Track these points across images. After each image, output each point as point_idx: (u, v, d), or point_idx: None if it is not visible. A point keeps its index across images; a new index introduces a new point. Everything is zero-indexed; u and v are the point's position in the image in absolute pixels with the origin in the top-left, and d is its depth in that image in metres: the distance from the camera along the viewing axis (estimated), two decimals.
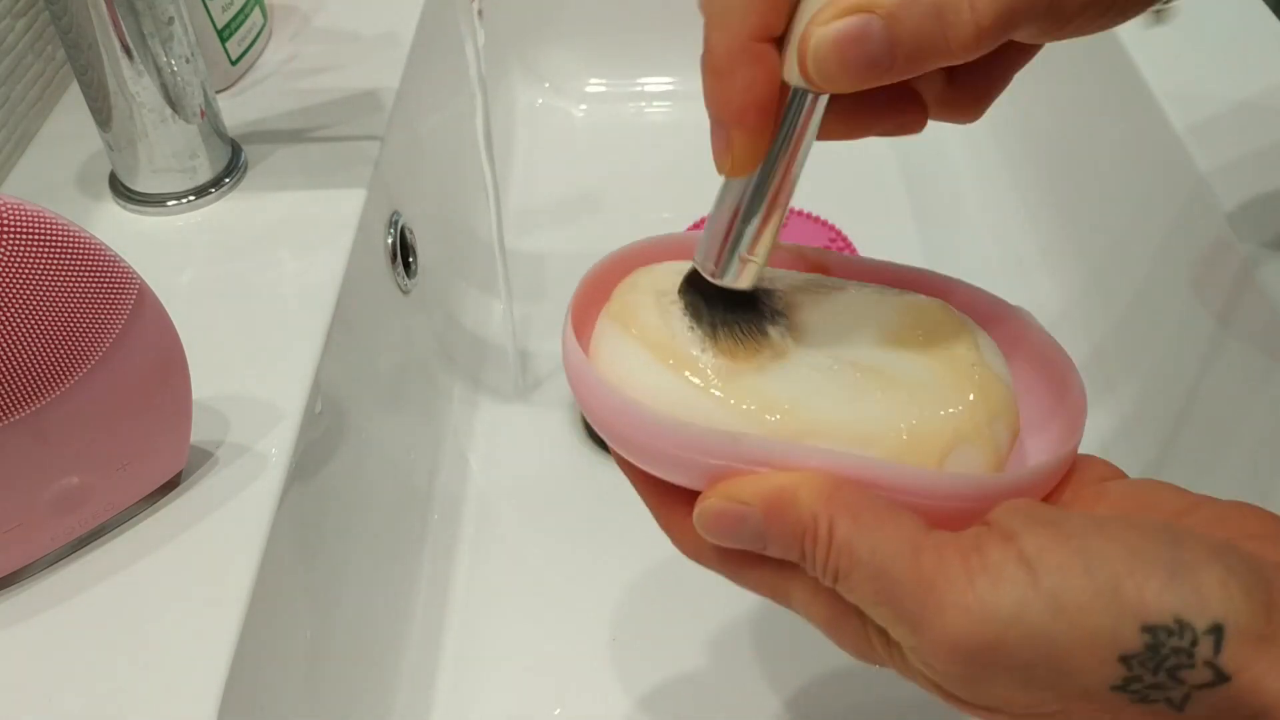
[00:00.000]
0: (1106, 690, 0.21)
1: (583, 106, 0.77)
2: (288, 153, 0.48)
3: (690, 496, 0.26)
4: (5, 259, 0.28)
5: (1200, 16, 0.55)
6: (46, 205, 0.28)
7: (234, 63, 0.52)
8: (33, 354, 0.29)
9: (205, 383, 0.35)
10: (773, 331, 0.27)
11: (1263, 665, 0.20)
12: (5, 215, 0.27)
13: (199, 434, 0.36)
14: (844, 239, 0.63)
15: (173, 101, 0.43)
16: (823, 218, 0.64)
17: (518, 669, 0.47)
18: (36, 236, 0.28)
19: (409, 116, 0.54)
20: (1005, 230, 0.64)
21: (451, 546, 0.52)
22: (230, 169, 0.47)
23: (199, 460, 0.36)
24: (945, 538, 0.23)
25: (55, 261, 0.28)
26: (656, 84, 0.77)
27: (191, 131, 0.44)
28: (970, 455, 0.26)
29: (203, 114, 0.45)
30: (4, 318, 0.28)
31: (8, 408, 0.29)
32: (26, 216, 0.28)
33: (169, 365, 0.33)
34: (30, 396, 0.29)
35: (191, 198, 0.46)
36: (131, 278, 0.31)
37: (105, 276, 0.30)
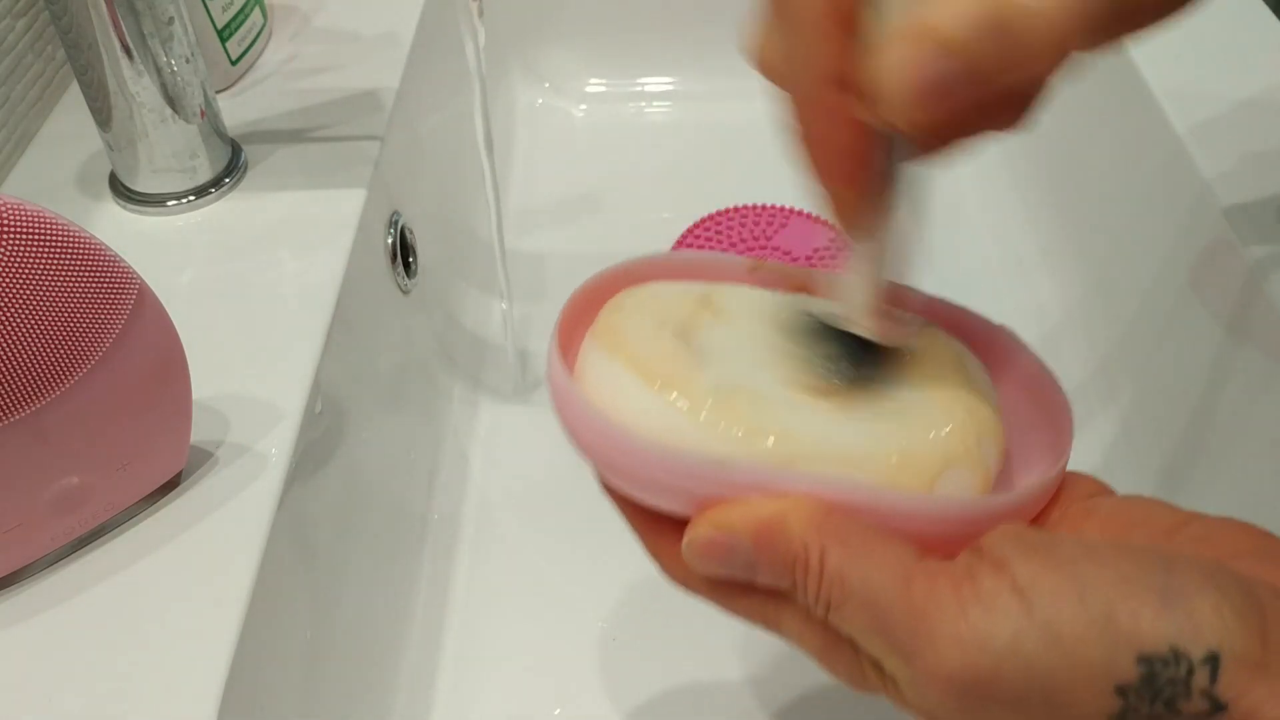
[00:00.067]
0: None
1: (583, 106, 0.77)
2: (288, 153, 0.48)
3: (678, 523, 0.26)
4: (5, 259, 0.28)
5: (1200, 16, 0.55)
6: (46, 205, 0.28)
7: (234, 63, 0.52)
8: (33, 354, 0.29)
9: (205, 383, 0.35)
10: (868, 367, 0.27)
11: (1259, 693, 0.20)
12: (5, 215, 0.27)
13: (199, 434, 0.36)
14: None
15: (173, 101, 0.43)
16: (823, 218, 0.64)
17: (518, 669, 0.47)
18: (36, 236, 0.28)
19: (409, 116, 0.54)
20: (1005, 230, 0.64)
21: (451, 546, 0.52)
22: (230, 169, 0.47)
23: (199, 460, 0.36)
24: (937, 566, 0.23)
25: (55, 261, 0.28)
26: (656, 84, 0.77)
27: (191, 131, 0.44)
28: (960, 477, 0.26)
29: (203, 114, 0.45)
30: (4, 318, 0.28)
31: (8, 408, 0.29)
32: (26, 216, 0.28)
33: (169, 365, 0.33)
34: (30, 396, 0.29)
35: (191, 198, 0.46)
36: (131, 278, 0.31)
37: (105, 276, 0.30)
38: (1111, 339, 0.54)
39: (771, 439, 0.25)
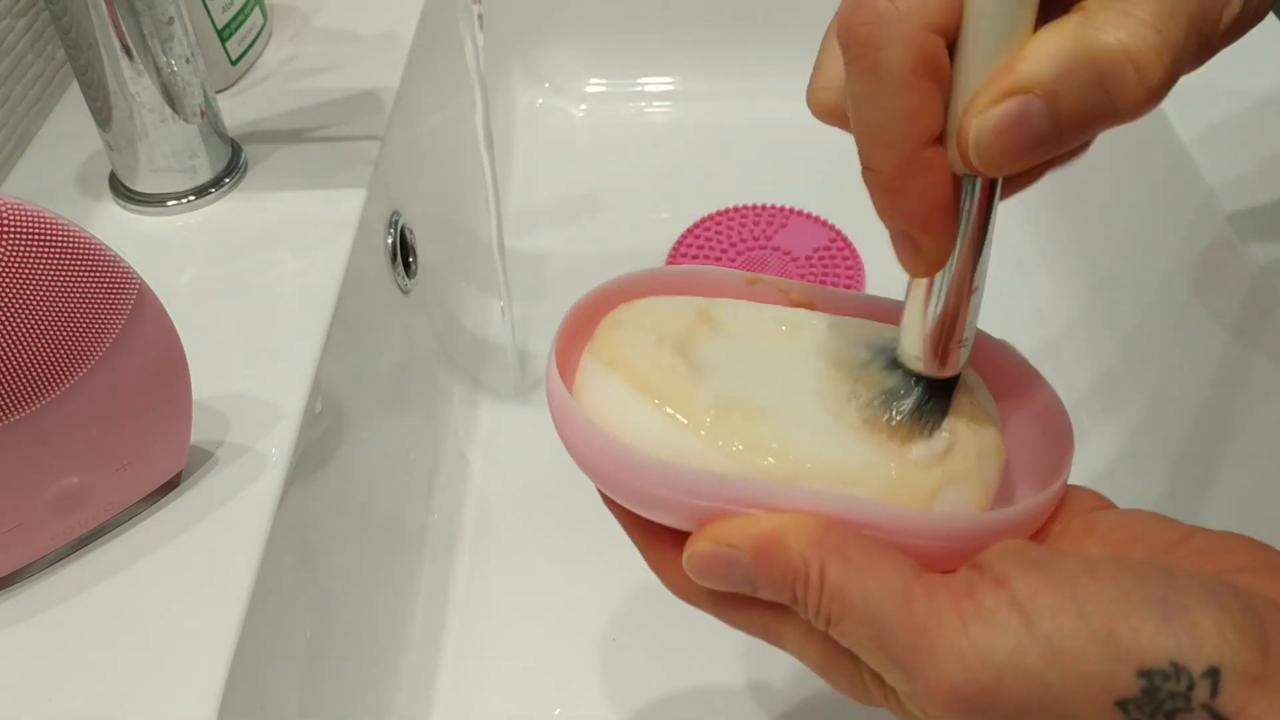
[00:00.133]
0: None
1: (583, 106, 0.77)
2: (288, 153, 0.48)
3: (679, 536, 0.26)
4: (5, 259, 0.28)
5: None
6: (46, 205, 0.28)
7: (234, 63, 0.52)
8: (33, 354, 0.29)
9: (205, 383, 0.35)
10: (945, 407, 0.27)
11: (1260, 706, 0.20)
12: (5, 215, 0.27)
13: (199, 434, 0.36)
14: (844, 238, 0.63)
15: (173, 101, 0.43)
16: (823, 218, 0.64)
17: (518, 669, 0.47)
18: (36, 236, 0.28)
19: (409, 116, 0.54)
20: (1005, 231, 0.64)
21: (451, 546, 0.52)
22: (230, 169, 0.47)
23: (199, 460, 0.36)
24: (937, 581, 0.23)
25: (55, 261, 0.28)
26: (656, 84, 0.77)
27: (191, 131, 0.44)
28: (959, 494, 0.26)
29: (203, 114, 0.45)
30: (4, 318, 0.28)
31: (8, 408, 0.29)
32: (26, 216, 0.28)
33: (169, 365, 0.33)
34: (30, 396, 0.29)
35: (191, 198, 0.46)
36: (131, 278, 0.31)
37: (105, 276, 0.30)
38: (1112, 341, 0.54)
39: (771, 454, 0.25)
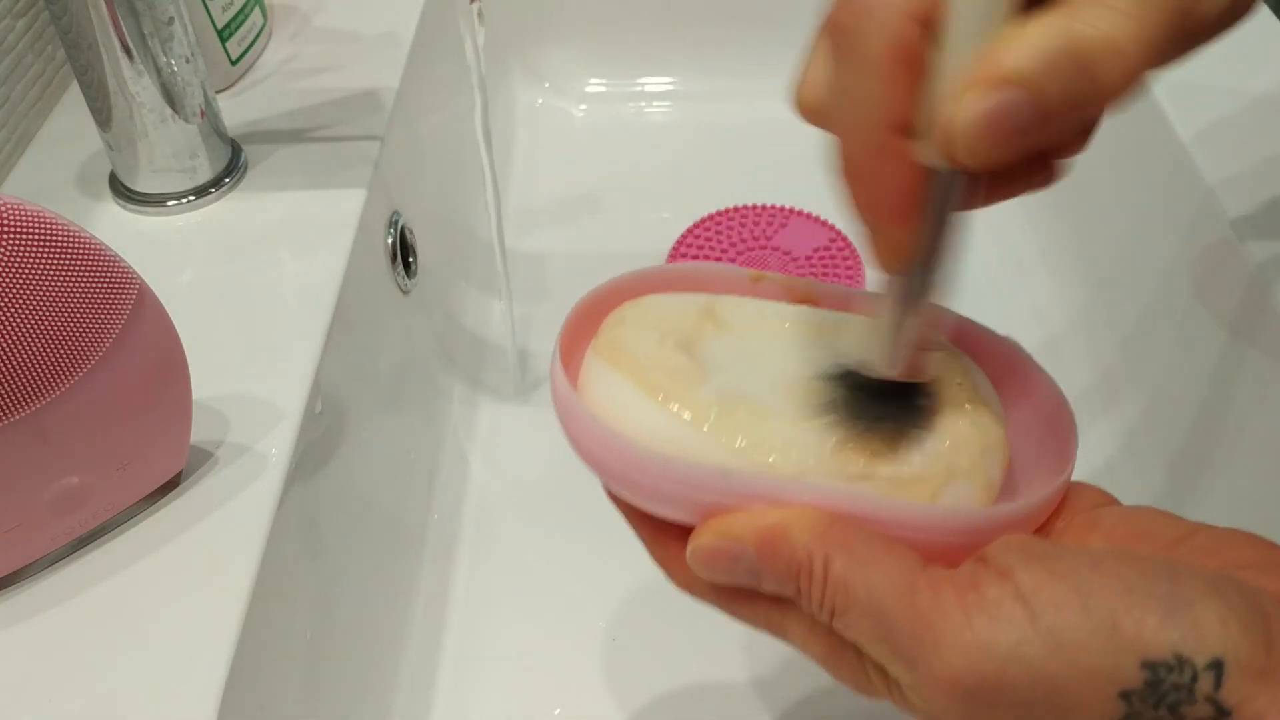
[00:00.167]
0: None
1: (583, 106, 0.77)
2: (288, 153, 0.48)
3: (683, 530, 0.26)
4: (5, 259, 0.28)
5: None
6: (46, 205, 0.28)
7: (234, 63, 0.52)
8: (33, 354, 0.29)
9: (205, 383, 0.35)
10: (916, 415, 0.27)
11: (1263, 700, 0.20)
12: (5, 215, 0.27)
13: (199, 434, 0.36)
14: (844, 238, 0.63)
15: (173, 101, 0.43)
16: (823, 218, 0.64)
17: (518, 669, 0.47)
18: (36, 236, 0.28)
19: (409, 116, 0.54)
20: (1005, 231, 0.64)
21: (451, 546, 0.52)
22: (230, 169, 0.47)
23: (199, 460, 0.36)
24: (941, 574, 0.23)
25: (55, 261, 0.28)
26: (656, 84, 0.77)
27: (191, 131, 0.44)
28: (963, 488, 0.26)
29: (203, 114, 0.45)
30: (4, 318, 0.28)
31: (8, 408, 0.29)
32: (26, 216, 0.28)
33: (169, 365, 0.33)
34: (30, 396, 0.29)
35: (191, 198, 0.46)
36: (131, 278, 0.31)
37: (105, 276, 0.30)
38: (1113, 340, 0.54)
39: (774, 451, 0.26)
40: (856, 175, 0.24)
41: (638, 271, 0.31)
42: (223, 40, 0.51)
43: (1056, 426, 0.28)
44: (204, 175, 0.46)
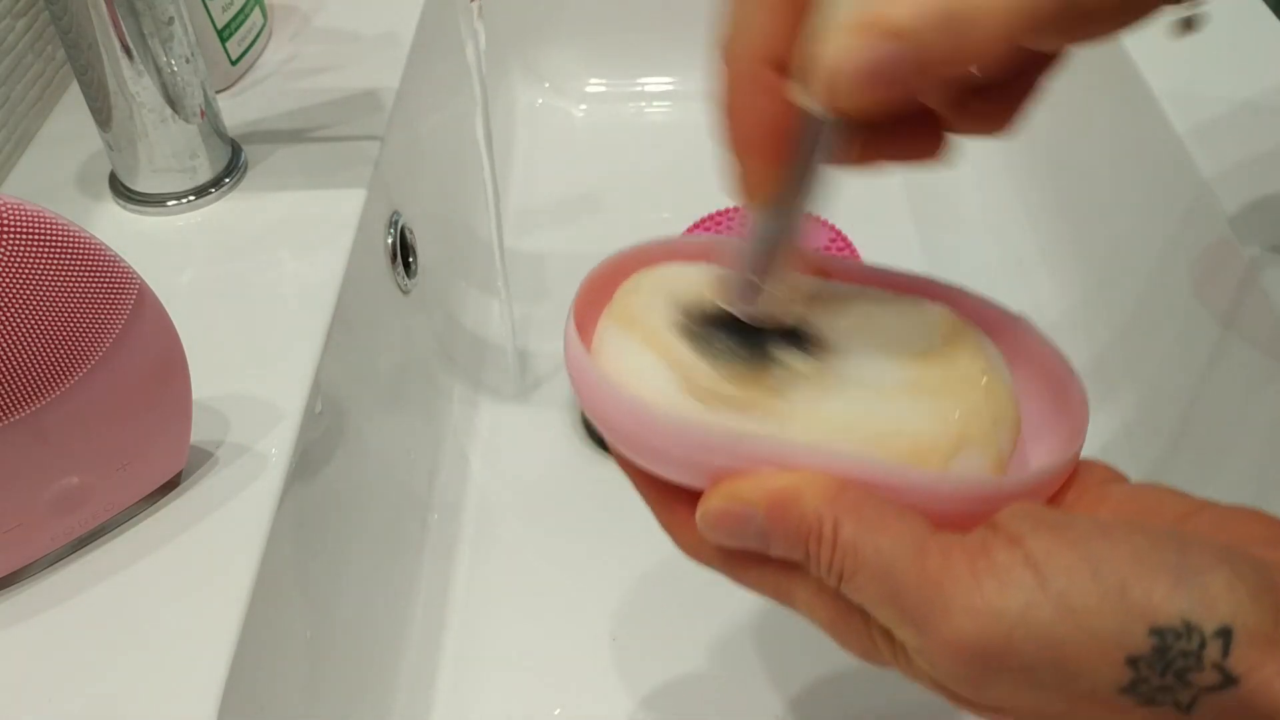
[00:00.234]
0: (1113, 692, 0.21)
1: (583, 106, 0.77)
2: (288, 153, 0.48)
3: (691, 495, 0.26)
4: (5, 259, 0.28)
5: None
6: (46, 205, 0.28)
7: (234, 63, 0.52)
8: (33, 354, 0.29)
9: (205, 383, 0.35)
10: (783, 356, 0.27)
11: (1271, 668, 0.20)
12: (5, 215, 0.27)
13: (199, 434, 0.36)
14: (844, 239, 0.63)
15: (173, 101, 0.43)
16: (823, 218, 0.64)
17: (518, 669, 0.47)
18: (36, 236, 0.28)
19: (409, 116, 0.54)
20: (1005, 231, 0.64)
21: (451, 546, 0.52)
22: (230, 169, 0.47)
23: (199, 460, 0.36)
24: (951, 539, 0.23)
25: (55, 261, 0.28)
26: (656, 84, 0.77)
27: (191, 131, 0.44)
28: (974, 458, 0.26)
29: (203, 114, 0.45)
30: (4, 318, 0.28)
31: (8, 408, 0.29)
32: (26, 216, 0.28)
33: (169, 365, 0.33)
34: (30, 396, 0.29)
35: (191, 198, 0.46)
36: (131, 278, 0.31)
37: (105, 276, 0.30)
38: (1111, 339, 0.54)
39: (786, 417, 0.26)
40: (729, 105, 0.25)
41: (652, 241, 0.31)
42: (223, 40, 0.51)
43: (1067, 400, 0.28)
44: (204, 175, 0.46)
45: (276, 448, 0.36)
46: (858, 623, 0.25)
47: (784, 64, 0.24)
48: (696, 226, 0.65)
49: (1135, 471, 0.50)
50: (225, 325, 0.40)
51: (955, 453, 0.26)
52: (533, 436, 0.56)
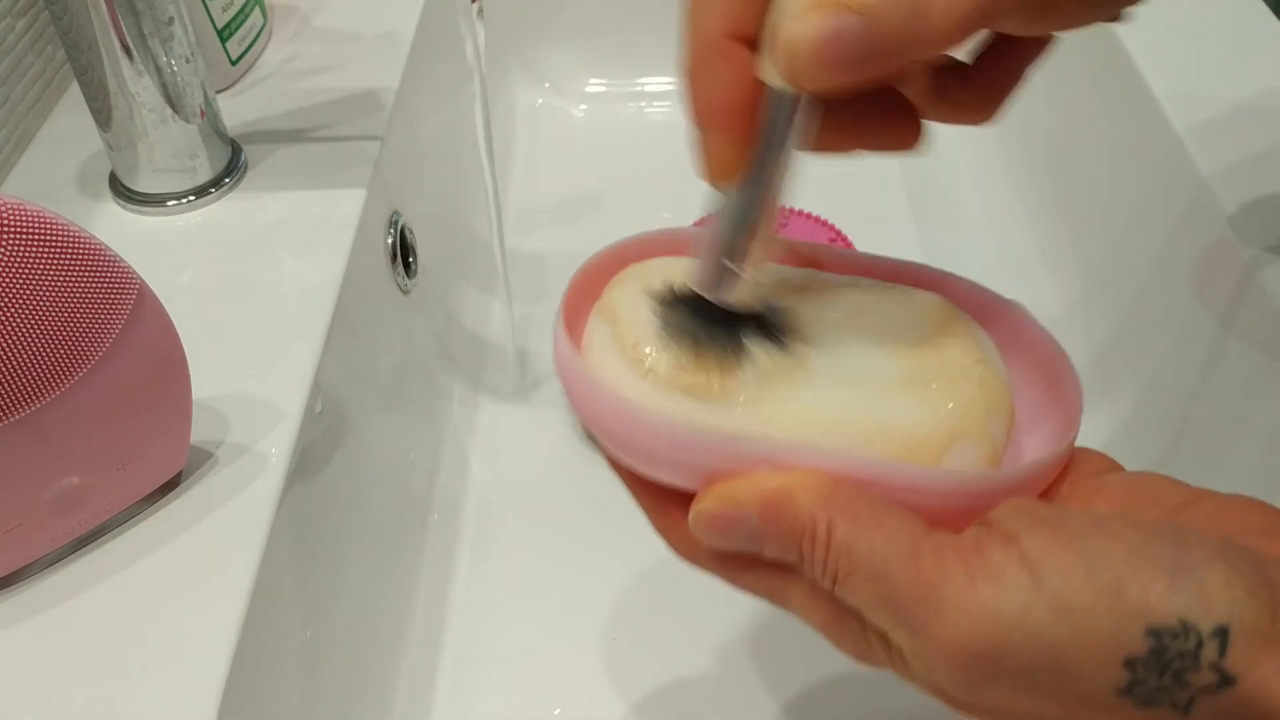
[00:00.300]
0: (1110, 694, 0.21)
1: (583, 106, 0.77)
2: (288, 153, 0.48)
3: (684, 497, 0.26)
4: (5, 259, 0.28)
5: (1200, 16, 0.55)
6: (46, 205, 0.28)
7: (234, 63, 0.52)
8: (33, 354, 0.29)
9: (205, 383, 0.35)
10: (761, 345, 0.27)
11: (1268, 667, 0.20)
12: (5, 215, 0.27)
13: (199, 434, 0.36)
14: (844, 238, 0.63)
15: (173, 101, 0.43)
16: (822, 217, 0.64)
17: (518, 669, 0.47)
18: (36, 236, 0.28)
19: (409, 116, 0.54)
20: (1005, 230, 0.64)
21: (451, 546, 0.52)
22: (230, 169, 0.47)
23: (199, 460, 0.36)
24: (945, 539, 0.23)
25: (55, 261, 0.28)
26: (656, 84, 0.77)
27: (191, 131, 0.44)
28: (968, 450, 0.26)
29: (203, 114, 0.45)
30: (4, 318, 0.28)
31: (8, 408, 0.29)
32: (26, 216, 0.28)
33: (169, 365, 0.33)
34: (30, 396, 0.29)
35: (191, 198, 0.46)
36: (131, 278, 0.31)
37: (105, 276, 0.30)
38: (1110, 339, 0.54)
39: (774, 411, 0.25)
40: (695, 76, 0.24)
41: (642, 235, 0.31)
42: (223, 40, 0.51)
43: (1061, 389, 0.28)
44: (204, 175, 0.46)
45: (276, 448, 0.36)
46: (853, 625, 0.24)
47: (751, 38, 0.24)
48: (696, 226, 0.65)
49: (1133, 469, 0.50)
50: (225, 325, 0.40)
51: (948, 446, 0.25)
52: (533, 436, 0.56)
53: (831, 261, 0.31)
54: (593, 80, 0.77)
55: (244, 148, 0.48)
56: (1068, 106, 0.61)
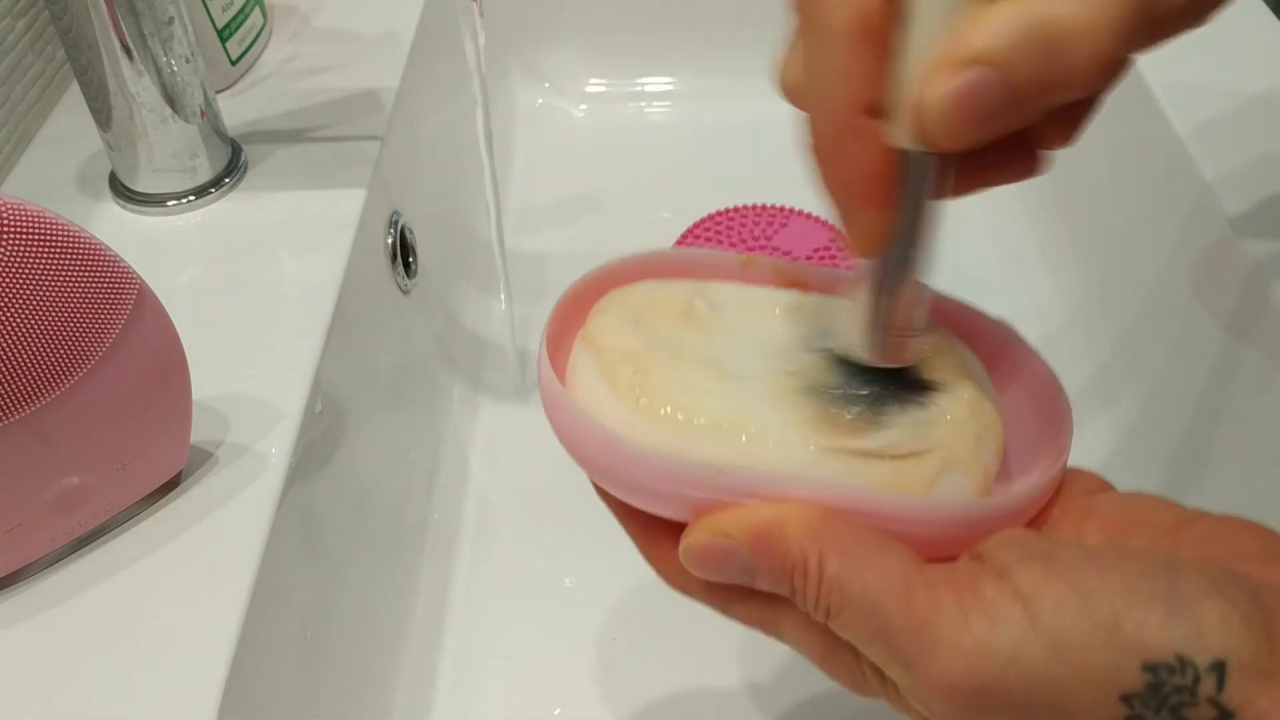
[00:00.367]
0: None
1: (583, 106, 0.77)
2: (288, 153, 0.48)
3: (674, 527, 0.25)
4: (5, 259, 0.28)
5: None
6: (46, 205, 0.28)
7: (234, 63, 0.52)
8: (33, 354, 0.29)
9: (205, 383, 0.35)
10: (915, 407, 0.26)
11: (1266, 700, 0.20)
12: (5, 215, 0.27)
13: (199, 434, 0.36)
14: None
15: (173, 101, 0.43)
16: (823, 218, 0.64)
17: (518, 669, 0.47)
18: (36, 236, 0.28)
19: (409, 116, 0.54)
20: (1005, 230, 0.64)
21: (451, 546, 0.52)
22: (230, 169, 0.47)
23: (199, 460, 0.36)
24: (938, 573, 0.22)
25: (55, 261, 0.28)
26: (656, 84, 0.77)
27: (191, 131, 0.44)
28: (958, 479, 0.25)
29: (203, 114, 0.45)
30: (4, 318, 0.28)
31: (8, 408, 0.29)
32: (26, 216, 0.28)
33: (169, 365, 0.33)
34: (30, 396, 0.29)
35: (191, 198, 0.46)
36: (131, 278, 0.31)
37: (105, 276, 0.30)
38: (1111, 340, 0.54)
39: (760, 442, 0.25)
40: (826, 155, 0.24)
41: (626, 258, 0.30)
42: (223, 40, 0.51)
43: (1051, 411, 0.28)
44: (204, 175, 0.46)
45: (276, 448, 0.36)
46: (847, 657, 0.24)
47: (875, 107, 0.23)
48: (696, 227, 0.65)
49: (1136, 473, 0.50)
50: (225, 325, 0.40)
51: (939, 475, 0.25)
52: (533, 436, 0.56)
53: (816, 282, 0.30)
54: (593, 80, 0.77)
55: (244, 148, 0.48)
56: None
